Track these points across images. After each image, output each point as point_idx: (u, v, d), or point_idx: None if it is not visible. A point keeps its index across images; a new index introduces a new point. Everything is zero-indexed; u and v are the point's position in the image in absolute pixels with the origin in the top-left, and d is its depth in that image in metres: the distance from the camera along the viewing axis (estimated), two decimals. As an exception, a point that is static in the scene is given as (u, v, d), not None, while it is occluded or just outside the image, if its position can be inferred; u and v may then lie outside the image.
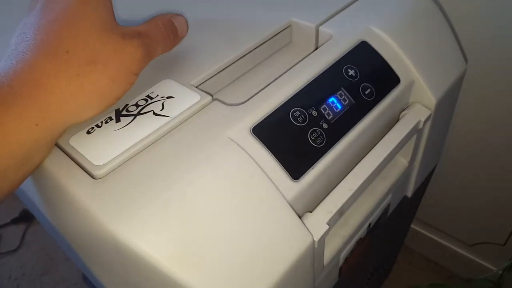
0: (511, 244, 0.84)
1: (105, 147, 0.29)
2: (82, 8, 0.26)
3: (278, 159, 0.30)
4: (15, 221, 1.29)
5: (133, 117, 0.31)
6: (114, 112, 0.32)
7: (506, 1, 0.54)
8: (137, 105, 0.32)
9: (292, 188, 0.30)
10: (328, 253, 0.36)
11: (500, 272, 0.89)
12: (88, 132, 0.30)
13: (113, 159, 0.28)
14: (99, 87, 0.26)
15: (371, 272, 0.62)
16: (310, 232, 0.30)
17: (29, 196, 0.35)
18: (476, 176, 0.79)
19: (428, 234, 0.98)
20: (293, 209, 0.30)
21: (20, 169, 0.26)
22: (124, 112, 0.32)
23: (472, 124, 0.72)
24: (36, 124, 0.25)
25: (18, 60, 0.25)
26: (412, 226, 0.99)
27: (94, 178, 0.28)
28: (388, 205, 0.45)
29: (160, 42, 0.30)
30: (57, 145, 0.30)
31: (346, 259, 0.41)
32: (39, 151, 0.27)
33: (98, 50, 0.26)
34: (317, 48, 0.39)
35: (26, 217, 1.30)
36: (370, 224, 0.42)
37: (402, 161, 0.44)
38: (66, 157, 0.29)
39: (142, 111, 0.31)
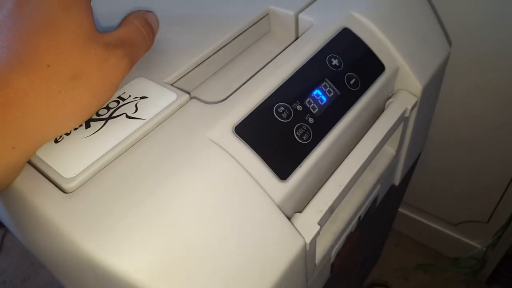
0: (494, 222, 0.85)
1: (75, 157, 0.27)
2: (63, 16, 0.24)
3: (263, 159, 0.28)
4: (-9, 227, 1.25)
5: (104, 121, 0.29)
6: (83, 117, 0.29)
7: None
8: (108, 107, 0.30)
9: (280, 189, 0.29)
10: (320, 252, 0.35)
11: (485, 249, 0.91)
12: (56, 141, 0.28)
13: (84, 170, 0.26)
14: (80, 102, 0.24)
15: (362, 263, 0.61)
16: (301, 235, 0.28)
17: (-4, 211, 0.32)
18: (458, 158, 0.79)
19: (414, 216, 0.99)
20: (282, 211, 0.28)
21: None
22: (94, 117, 0.29)
23: (454, 109, 0.71)
24: (13, 147, 0.22)
25: None
26: (398, 209, 1.00)
27: (64, 192, 0.25)
28: (377, 196, 0.44)
29: (141, 46, 0.29)
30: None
31: (338, 255, 0.40)
32: (14, 173, 0.25)
33: (81, 64, 0.24)
34: (297, 38, 0.37)
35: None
36: (360, 217, 0.41)
37: (389, 150, 0.43)
38: (34, 169, 0.27)
39: (113, 115, 0.29)
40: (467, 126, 0.72)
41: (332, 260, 0.39)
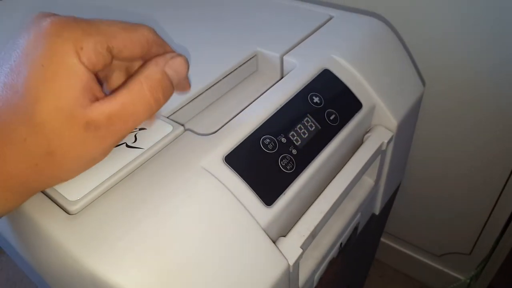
0: (477, 254, 0.88)
1: (79, 182, 0.29)
2: (43, 88, 0.22)
3: (251, 186, 0.31)
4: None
5: (106, 150, 0.31)
6: (86, 146, 0.32)
7: (459, 28, 0.58)
8: (109, 138, 0.32)
9: (266, 214, 0.31)
10: (303, 275, 0.37)
11: (468, 281, 0.93)
12: (61, 167, 0.31)
13: (87, 193, 0.28)
14: (58, 174, 0.25)
15: (345, 289, 0.63)
16: (284, 257, 0.31)
17: (0, 232, 0.34)
18: (439, 189, 0.82)
19: (398, 247, 1.01)
20: (267, 234, 0.31)
21: None
22: (96, 146, 0.32)
23: (432, 141, 0.75)
24: (6, 199, 0.24)
25: None
26: (382, 239, 1.02)
27: (69, 214, 0.28)
28: (358, 224, 0.47)
29: (139, 119, 0.25)
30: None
31: (320, 280, 0.42)
32: (9, 210, 0.26)
33: (55, 143, 0.23)
34: (282, 77, 0.41)
35: (-10, 250, 1.25)
36: (341, 243, 0.44)
37: (368, 181, 0.46)
38: (40, 193, 0.29)
39: (115, 144, 0.32)
40: (446, 158, 0.76)
41: (315, 284, 0.41)
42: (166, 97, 0.26)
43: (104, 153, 0.25)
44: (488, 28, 0.56)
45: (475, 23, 0.56)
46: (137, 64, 0.28)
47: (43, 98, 0.22)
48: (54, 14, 0.24)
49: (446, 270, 0.96)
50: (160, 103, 0.26)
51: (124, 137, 0.26)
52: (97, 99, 0.23)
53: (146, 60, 0.27)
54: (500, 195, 0.75)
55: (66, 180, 0.26)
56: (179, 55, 0.27)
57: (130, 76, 0.25)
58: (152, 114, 0.25)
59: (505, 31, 0.55)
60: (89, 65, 0.23)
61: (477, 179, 0.76)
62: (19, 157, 0.23)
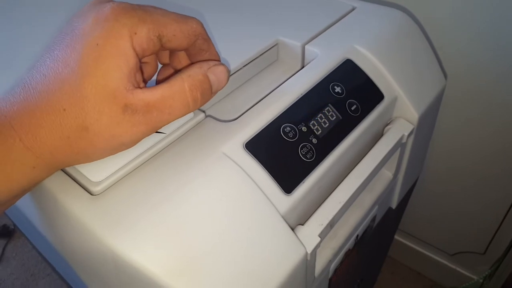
0: (490, 253, 0.87)
1: (102, 164, 0.29)
2: (92, 65, 0.23)
3: (270, 174, 0.31)
4: (-6, 236, 1.27)
5: (128, 133, 0.32)
6: (109, 129, 0.32)
7: (481, 22, 0.57)
8: (131, 122, 0.33)
9: (285, 201, 0.31)
10: (319, 265, 0.37)
11: (481, 281, 0.92)
12: (84, 149, 0.31)
13: (110, 175, 0.29)
14: (85, 151, 0.25)
15: (358, 283, 0.63)
16: (303, 245, 0.31)
17: (22, 211, 0.35)
18: (455, 187, 0.81)
19: (411, 245, 1.01)
20: (286, 222, 0.31)
21: (15, 199, 0.26)
22: (119, 129, 0.32)
23: (452, 138, 0.74)
24: (33, 167, 0.24)
25: (25, 96, 0.24)
26: (396, 236, 1.01)
27: (92, 194, 0.28)
28: (375, 217, 0.47)
29: (177, 112, 0.26)
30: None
31: (336, 270, 0.42)
32: (35, 185, 0.26)
33: (92, 120, 0.24)
34: (303, 66, 0.41)
35: (6, 232, 1.27)
36: (357, 235, 0.43)
37: (387, 174, 0.46)
38: (64, 174, 0.30)
39: (137, 128, 0.32)
40: (464, 156, 0.75)
41: (330, 275, 0.41)
42: (205, 99, 0.27)
43: (133, 141, 0.26)
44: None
45: (503, 22, 0.55)
46: (169, 55, 0.30)
47: (92, 74, 0.23)
48: (113, 1, 0.25)
49: (459, 269, 0.95)
50: (197, 103, 0.27)
51: (156, 129, 0.26)
52: (138, 86, 0.25)
53: (189, 52, 0.29)
54: (517, 195, 0.74)
55: (90, 160, 0.27)
56: (222, 64, 0.28)
57: (163, 68, 0.28)
58: (188, 112, 0.27)
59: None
60: (139, 50, 0.24)
61: (493, 179, 0.75)
62: (55, 126, 0.23)
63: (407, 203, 0.63)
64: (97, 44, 0.23)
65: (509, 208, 0.77)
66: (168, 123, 0.26)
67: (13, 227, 1.28)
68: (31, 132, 0.23)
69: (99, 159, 0.27)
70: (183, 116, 0.27)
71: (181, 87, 0.26)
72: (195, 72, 0.27)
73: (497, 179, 0.74)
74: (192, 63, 0.28)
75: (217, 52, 0.30)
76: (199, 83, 0.26)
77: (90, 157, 0.26)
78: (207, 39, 0.28)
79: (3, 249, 1.24)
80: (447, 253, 0.95)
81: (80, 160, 0.26)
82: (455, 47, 0.62)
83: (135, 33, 0.24)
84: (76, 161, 0.26)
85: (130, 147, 0.27)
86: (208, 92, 0.27)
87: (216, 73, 0.28)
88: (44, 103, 0.23)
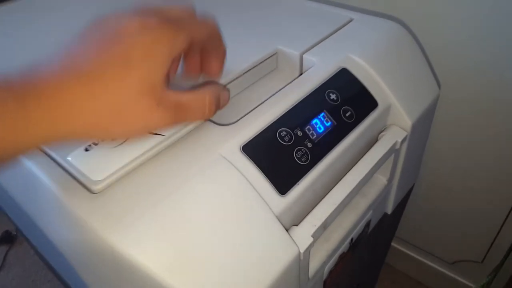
0: (489, 262, 0.87)
1: (102, 163, 0.31)
2: (140, 61, 0.26)
3: (266, 175, 0.33)
4: (-4, 243, 1.28)
5: (129, 136, 0.33)
6: (111, 131, 0.34)
7: (476, 33, 0.58)
8: (133, 124, 0.34)
9: (280, 202, 0.32)
10: (313, 266, 0.38)
11: (479, 289, 0.92)
12: (86, 150, 0.32)
13: (110, 174, 0.30)
14: (112, 132, 0.27)
15: (354, 288, 0.64)
16: (296, 244, 0.32)
17: (24, 210, 0.36)
18: (453, 196, 0.82)
19: (411, 254, 1.01)
20: (280, 222, 0.32)
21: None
22: (121, 131, 0.33)
23: (447, 147, 0.75)
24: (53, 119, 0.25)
25: (60, 71, 0.25)
26: (395, 245, 1.02)
27: (92, 193, 0.29)
28: (369, 221, 0.47)
29: (195, 117, 0.31)
30: (56, 161, 0.32)
31: (330, 273, 0.43)
32: (50, 135, 0.26)
33: (128, 106, 0.26)
34: (301, 74, 0.42)
35: (8, 239, 1.28)
36: (352, 239, 0.44)
37: (381, 179, 0.47)
38: (65, 173, 0.31)
39: (138, 130, 0.33)
40: (460, 165, 0.76)
41: (324, 276, 0.42)
42: (214, 112, 0.32)
43: (156, 128, 0.30)
44: (508, 33, 0.56)
45: (494, 28, 0.57)
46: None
47: (137, 67, 0.26)
48: (154, 13, 0.28)
49: (457, 277, 0.95)
50: (210, 114, 0.32)
51: (176, 125, 0.31)
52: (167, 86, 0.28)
53: (201, 48, 0.33)
54: (514, 204, 0.74)
55: (109, 137, 0.29)
56: (228, 89, 0.34)
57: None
58: (202, 119, 0.32)
59: (525, 38, 0.55)
60: (175, 55, 0.28)
61: (491, 187, 0.75)
62: (96, 95, 0.25)
63: (403, 210, 0.64)
64: (144, 45, 0.26)
65: (507, 217, 0.77)
66: (183, 123, 0.31)
67: (15, 233, 1.29)
68: (58, 102, 0.24)
69: (115, 137, 0.29)
70: (194, 120, 0.32)
71: (203, 99, 0.31)
72: (213, 90, 0.31)
73: (494, 186, 0.75)
74: (209, 82, 0.33)
75: (225, 48, 0.34)
76: (215, 100, 0.31)
77: (109, 133, 0.28)
78: (220, 38, 0.33)
79: (5, 255, 1.25)
80: (446, 261, 0.95)
81: (101, 135, 0.28)
82: (448, 56, 0.63)
83: (174, 42, 0.27)
84: (95, 135, 0.28)
85: (142, 135, 0.30)
86: (218, 107, 0.32)
87: (224, 95, 0.33)
88: (93, 72, 0.25)
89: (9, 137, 0.23)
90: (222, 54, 0.34)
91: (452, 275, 0.96)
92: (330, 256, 0.40)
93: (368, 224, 0.47)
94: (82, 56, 0.26)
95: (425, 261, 0.99)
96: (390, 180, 0.47)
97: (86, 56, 0.26)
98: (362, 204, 0.44)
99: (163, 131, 0.32)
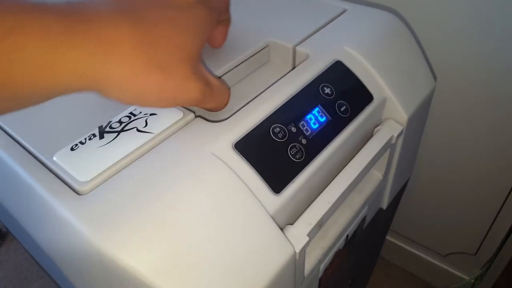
0: (482, 254, 0.87)
1: (89, 163, 0.30)
2: (185, 31, 0.28)
3: (259, 174, 0.31)
4: (-13, 240, 1.26)
5: (116, 133, 0.32)
6: (97, 129, 0.32)
7: (472, 25, 0.58)
8: (120, 122, 0.33)
9: (274, 201, 0.31)
10: (309, 264, 0.37)
11: (473, 281, 0.92)
12: (72, 149, 0.31)
13: (97, 175, 0.29)
14: (144, 95, 0.26)
15: (349, 284, 0.63)
16: (291, 244, 0.31)
17: (10, 212, 0.35)
18: (446, 189, 0.82)
19: (404, 246, 1.01)
20: (275, 221, 0.31)
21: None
22: (107, 129, 0.32)
23: (441, 140, 0.75)
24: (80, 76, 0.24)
25: (115, 21, 0.24)
26: (388, 238, 1.02)
27: (78, 194, 0.28)
28: (365, 217, 0.47)
29: (216, 101, 0.33)
30: (41, 161, 0.31)
31: (325, 270, 0.42)
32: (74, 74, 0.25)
33: (170, 68, 0.26)
34: (294, 67, 0.41)
35: (-1, 235, 1.27)
36: (347, 235, 0.44)
37: (376, 175, 0.46)
38: (50, 173, 0.30)
39: (125, 128, 0.32)
40: (454, 158, 0.76)
41: (320, 275, 0.41)
42: (222, 106, 0.35)
43: (183, 104, 0.31)
44: (504, 25, 0.55)
45: (490, 20, 0.56)
46: None
47: (183, 35, 0.27)
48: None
49: (451, 269, 0.96)
50: (224, 106, 0.35)
51: (201, 103, 0.30)
52: None
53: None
54: (507, 196, 0.74)
55: (142, 94, 0.26)
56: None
57: None
58: (215, 107, 0.34)
59: (520, 29, 0.54)
60: (210, 30, 0.31)
61: (484, 180, 0.75)
62: (144, 43, 0.25)
63: (398, 205, 0.63)
64: (196, 17, 0.29)
65: (500, 209, 0.77)
66: (204, 105, 0.32)
67: (6, 230, 1.27)
68: (107, 47, 0.24)
69: (146, 103, 0.28)
70: (212, 108, 0.33)
71: (226, 88, 0.34)
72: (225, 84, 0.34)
73: (488, 179, 0.74)
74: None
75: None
76: (229, 95, 0.35)
77: (143, 101, 0.27)
78: (228, 10, 0.37)
79: (-4, 252, 1.23)
80: (439, 254, 0.95)
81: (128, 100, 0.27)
82: (445, 45, 0.62)
83: (211, 22, 0.31)
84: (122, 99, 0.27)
85: (176, 105, 0.33)
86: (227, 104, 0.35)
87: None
88: (144, 24, 0.26)
89: (48, 63, 0.22)
90: (227, 26, 0.37)
91: (445, 267, 0.96)
92: (325, 254, 0.40)
93: (363, 220, 0.47)
94: (138, 3, 0.26)
95: (418, 253, 0.99)
96: (385, 175, 0.46)
97: (142, 5, 0.26)
98: (357, 200, 0.43)
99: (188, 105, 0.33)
